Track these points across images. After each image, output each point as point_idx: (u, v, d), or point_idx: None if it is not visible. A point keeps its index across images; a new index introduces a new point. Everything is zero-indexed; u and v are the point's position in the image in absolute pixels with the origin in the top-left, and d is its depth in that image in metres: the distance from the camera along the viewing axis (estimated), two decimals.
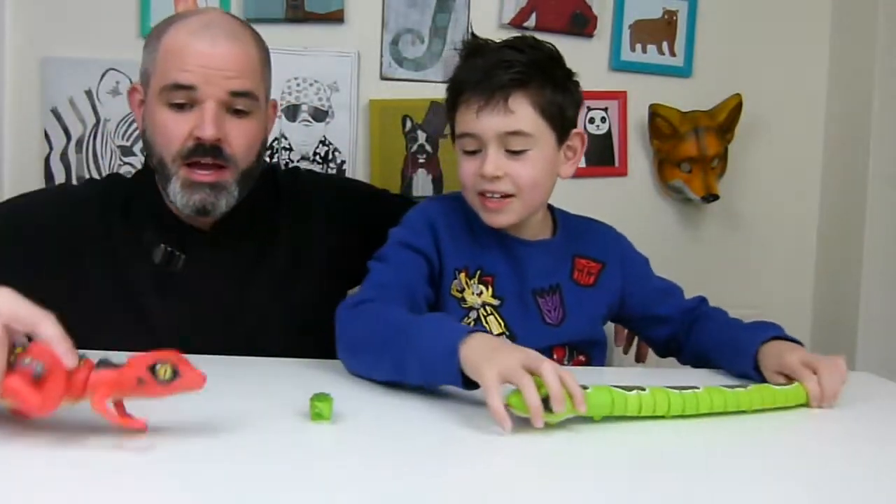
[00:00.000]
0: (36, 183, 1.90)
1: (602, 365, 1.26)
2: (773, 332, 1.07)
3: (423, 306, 1.10)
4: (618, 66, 2.05)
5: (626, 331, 1.39)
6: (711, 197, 1.99)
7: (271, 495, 0.62)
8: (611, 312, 1.27)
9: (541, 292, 1.18)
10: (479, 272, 1.16)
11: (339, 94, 1.94)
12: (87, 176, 1.89)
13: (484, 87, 1.07)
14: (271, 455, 0.72)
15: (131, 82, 1.24)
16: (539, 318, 1.17)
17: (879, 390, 1.12)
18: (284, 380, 1.01)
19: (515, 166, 1.08)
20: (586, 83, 2.09)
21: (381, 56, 1.96)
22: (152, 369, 0.69)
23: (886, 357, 1.95)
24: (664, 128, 2.00)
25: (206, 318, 1.18)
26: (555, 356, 1.18)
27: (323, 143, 1.94)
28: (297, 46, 1.93)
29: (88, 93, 1.89)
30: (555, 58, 1.13)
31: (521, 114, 1.07)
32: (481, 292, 1.15)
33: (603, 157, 2.06)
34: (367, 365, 0.99)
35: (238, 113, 1.14)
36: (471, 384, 0.85)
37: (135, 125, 1.84)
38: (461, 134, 1.11)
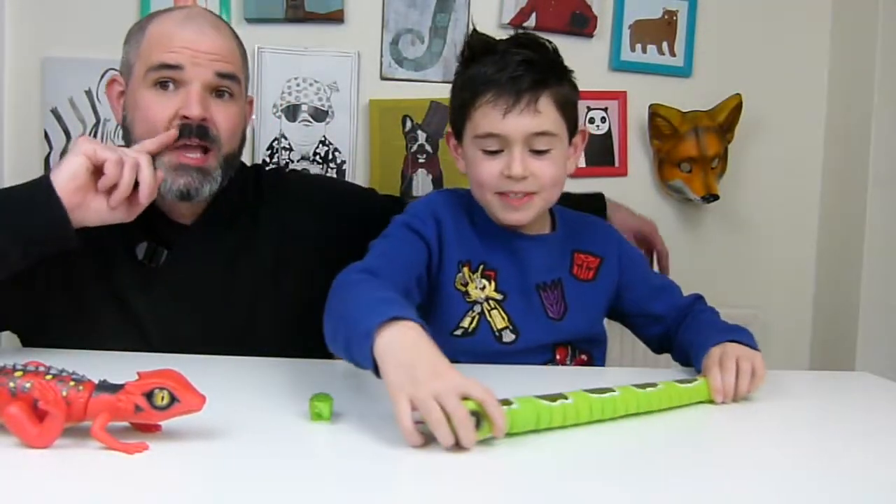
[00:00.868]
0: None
1: (602, 363, 1.26)
2: (732, 337, 1.06)
3: (415, 286, 1.10)
4: (618, 66, 2.05)
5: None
6: (711, 197, 1.99)
7: (271, 495, 0.62)
8: (609, 307, 1.27)
9: (543, 286, 1.19)
10: (482, 266, 1.16)
11: (339, 94, 1.94)
12: None
13: (510, 87, 1.06)
14: (271, 455, 0.72)
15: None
16: (542, 312, 1.18)
17: (879, 390, 1.11)
18: (284, 380, 1.01)
19: (540, 166, 1.09)
20: (586, 83, 2.10)
21: (381, 56, 1.96)
22: (149, 396, 0.69)
23: (886, 357, 1.95)
24: (664, 128, 2.00)
25: (191, 311, 1.18)
26: (557, 356, 1.19)
27: (323, 143, 1.95)
28: (297, 46, 1.93)
29: (88, 93, 1.89)
30: (559, 55, 1.15)
31: (547, 113, 1.08)
32: (484, 287, 1.15)
33: (603, 157, 2.06)
34: (327, 329, 0.95)
35: (222, 95, 1.15)
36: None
37: None
38: (484, 134, 1.09)
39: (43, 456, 0.68)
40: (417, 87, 1.94)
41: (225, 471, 0.68)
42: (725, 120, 2.01)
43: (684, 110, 2.01)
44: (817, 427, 0.92)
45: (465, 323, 1.14)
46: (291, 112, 1.94)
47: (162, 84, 1.12)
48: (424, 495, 0.65)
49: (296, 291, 1.23)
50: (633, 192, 2.07)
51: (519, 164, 1.07)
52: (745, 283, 2.13)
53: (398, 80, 1.95)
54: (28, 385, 0.70)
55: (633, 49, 2.05)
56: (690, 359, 1.11)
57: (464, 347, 1.12)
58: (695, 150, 1.97)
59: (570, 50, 2.01)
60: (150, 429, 0.74)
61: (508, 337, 1.15)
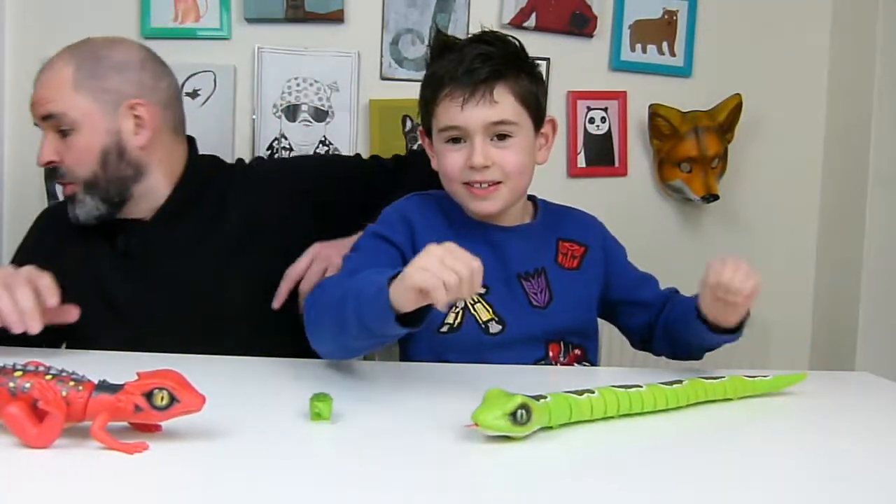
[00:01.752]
0: (36, 183, 1.90)
1: (596, 358, 1.26)
2: None
3: None
4: (618, 66, 2.05)
5: None
6: (711, 197, 1.99)
7: (271, 495, 0.62)
8: (599, 298, 1.27)
9: (526, 276, 1.19)
10: None
11: (339, 94, 1.94)
12: None
13: (466, 80, 1.11)
14: (271, 455, 0.72)
15: None
16: (526, 301, 1.18)
17: (879, 390, 1.12)
18: (284, 380, 1.01)
19: (502, 154, 1.12)
20: (586, 83, 2.12)
21: (381, 56, 1.96)
22: (149, 396, 0.69)
23: (886, 357, 1.95)
24: (664, 128, 2.00)
25: (166, 294, 1.27)
26: (550, 353, 1.19)
27: (323, 143, 1.94)
28: (297, 46, 1.93)
29: None
30: (523, 50, 1.17)
31: (505, 103, 1.11)
32: None
33: (603, 157, 2.06)
34: (321, 335, 1.01)
35: (64, 133, 1.24)
36: (406, 322, 0.87)
37: None
38: (445, 127, 1.14)
39: (42, 456, 0.68)
40: (417, 88, 1.93)
41: (225, 471, 0.68)
42: (725, 120, 2.01)
43: (684, 110, 2.01)
44: (817, 427, 0.92)
45: (450, 319, 1.16)
46: (291, 112, 1.94)
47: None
48: (425, 495, 0.65)
49: (263, 263, 1.29)
50: (633, 192, 2.08)
51: (479, 153, 1.11)
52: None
53: (398, 80, 1.95)
54: (28, 385, 0.70)
55: (633, 49, 2.05)
56: (678, 327, 1.15)
57: (452, 344, 1.15)
58: (695, 150, 1.97)
59: (570, 50, 2.02)
60: (149, 429, 0.74)
61: (495, 328, 1.16)
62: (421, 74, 1.27)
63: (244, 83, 1.93)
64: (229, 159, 1.42)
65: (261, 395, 0.94)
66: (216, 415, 0.75)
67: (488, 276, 1.12)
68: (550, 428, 0.80)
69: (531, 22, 1.98)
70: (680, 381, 0.91)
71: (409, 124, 1.94)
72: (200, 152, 1.41)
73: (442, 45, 1.18)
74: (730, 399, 0.96)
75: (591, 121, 2.05)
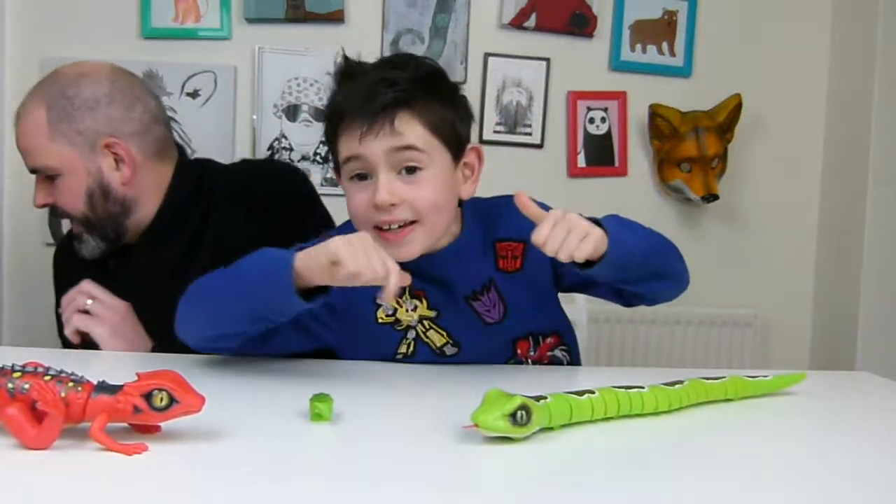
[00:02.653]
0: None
1: (573, 341, 1.20)
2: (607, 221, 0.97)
3: (298, 326, 1.05)
4: (618, 66, 2.05)
5: None
6: (711, 197, 1.99)
7: (271, 496, 0.62)
8: (555, 287, 1.16)
9: (474, 296, 1.10)
10: (407, 289, 1.07)
11: None
12: None
13: (366, 109, 0.97)
14: (271, 455, 0.72)
15: None
16: (478, 321, 1.10)
17: (879, 390, 1.11)
18: (284, 380, 1.01)
19: (411, 190, 0.98)
20: (586, 83, 2.13)
21: (381, 56, 1.95)
22: (148, 397, 0.69)
23: (886, 357, 1.95)
24: (664, 128, 2.00)
25: (145, 312, 1.23)
26: (518, 351, 1.14)
27: (323, 143, 1.94)
28: (297, 46, 1.93)
29: None
30: (438, 72, 1.05)
31: (410, 134, 0.98)
32: (416, 307, 1.09)
33: (603, 157, 2.06)
34: (198, 321, 0.99)
35: (50, 178, 1.24)
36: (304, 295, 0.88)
37: None
38: (346, 159, 1.00)
39: (41, 457, 0.68)
40: None
41: (225, 471, 0.68)
42: (725, 120, 2.01)
43: (684, 110, 2.01)
44: (818, 427, 0.92)
45: (403, 349, 1.10)
46: (291, 112, 1.94)
47: None
48: (425, 495, 0.65)
49: None
50: (633, 192, 2.08)
51: (384, 189, 0.97)
52: (745, 283, 2.13)
53: None
54: (27, 386, 0.69)
55: (633, 49, 2.05)
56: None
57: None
58: (695, 150, 1.98)
59: (570, 50, 2.02)
60: (149, 430, 0.74)
61: (451, 350, 1.10)
62: None
63: (244, 83, 1.93)
64: (229, 159, 1.41)
65: (261, 395, 0.94)
66: (216, 415, 0.75)
67: (437, 301, 1.09)
68: (551, 429, 0.80)
69: (531, 22, 1.98)
70: (681, 382, 0.91)
71: None
72: (199, 153, 1.39)
73: (345, 72, 1.04)
74: (730, 399, 0.96)
75: (591, 121, 2.05)
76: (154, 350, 1.19)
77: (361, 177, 1.00)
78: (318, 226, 1.22)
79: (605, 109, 2.06)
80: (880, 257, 1.99)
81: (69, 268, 1.31)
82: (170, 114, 1.41)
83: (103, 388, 0.70)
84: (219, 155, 1.43)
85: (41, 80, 1.28)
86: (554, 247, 0.90)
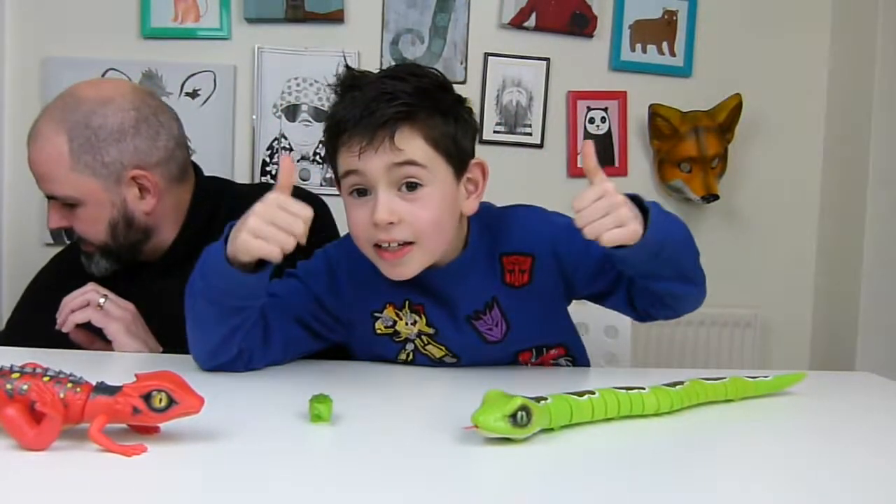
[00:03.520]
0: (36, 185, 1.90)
1: (579, 353, 1.18)
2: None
3: (301, 325, 1.08)
4: (618, 66, 2.05)
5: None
6: (711, 197, 1.99)
7: (271, 496, 0.62)
8: (564, 299, 1.13)
9: (476, 315, 1.07)
10: (407, 302, 1.07)
11: None
12: None
13: (366, 124, 0.94)
14: (271, 456, 0.72)
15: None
16: (479, 340, 1.08)
17: (880, 390, 1.11)
18: (283, 381, 1.01)
19: (411, 209, 0.96)
20: (586, 83, 2.12)
21: (381, 56, 1.96)
22: (147, 398, 0.69)
23: (886, 357, 1.95)
24: (664, 128, 2.00)
25: (156, 334, 1.20)
26: (520, 359, 1.13)
27: (322, 143, 1.94)
28: (297, 46, 1.93)
29: None
30: (442, 84, 1.01)
31: (411, 150, 0.95)
32: (416, 321, 1.08)
33: (603, 157, 2.06)
34: (192, 335, 1.01)
35: (70, 206, 1.21)
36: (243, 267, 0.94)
37: None
38: (345, 173, 0.98)
39: (40, 458, 0.68)
40: None
41: (225, 472, 0.68)
42: (725, 120, 2.01)
43: (684, 110, 2.01)
44: (818, 427, 0.92)
45: (403, 357, 1.10)
46: (291, 112, 1.94)
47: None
48: (425, 496, 0.65)
49: None
50: (633, 192, 2.07)
51: (383, 207, 0.94)
52: (745, 282, 2.13)
53: None
54: (25, 387, 0.69)
55: (633, 49, 2.05)
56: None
57: None
58: (695, 150, 1.97)
59: (570, 50, 2.02)
60: (148, 431, 0.74)
61: (450, 360, 1.10)
62: None
63: (244, 83, 1.93)
64: (229, 159, 1.42)
65: (260, 396, 0.94)
66: (215, 416, 0.75)
67: (436, 319, 1.08)
68: (551, 430, 0.80)
69: (531, 22, 1.98)
70: (681, 383, 0.91)
71: None
72: (199, 153, 1.37)
73: (345, 83, 1.01)
74: (731, 400, 0.96)
75: (591, 121, 2.05)
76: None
77: (361, 192, 0.98)
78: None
79: (605, 109, 2.06)
80: (880, 257, 1.99)
81: (72, 279, 1.23)
82: None
83: (102, 388, 0.70)
84: (218, 154, 1.44)
85: (58, 101, 1.21)
86: (585, 221, 0.89)
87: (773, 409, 0.96)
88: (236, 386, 0.97)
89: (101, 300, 1.14)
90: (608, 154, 2.07)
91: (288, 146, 1.94)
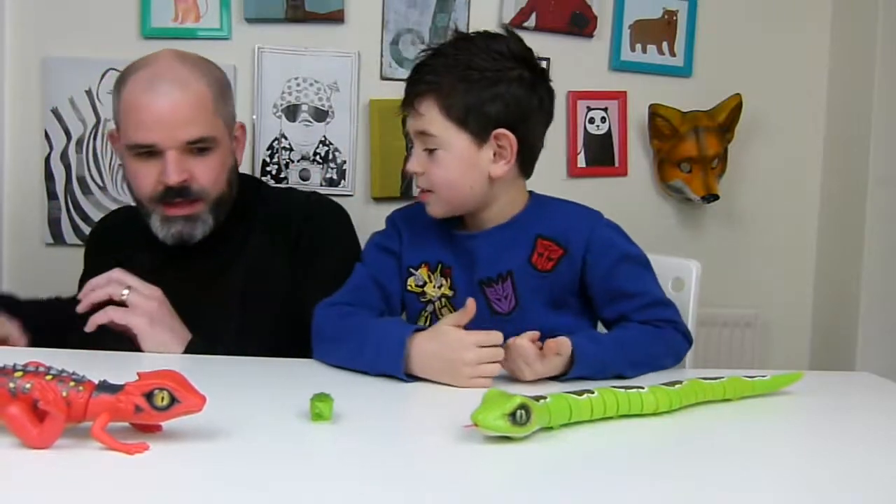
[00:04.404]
0: (36, 182, 1.90)
1: None
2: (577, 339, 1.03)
3: (395, 301, 1.22)
4: (618, 66, 2.05)
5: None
6: (711, 197, 1.99)
7: (272, 495, 0.63)
8: (575, 298, 1.19)
9: (488, 282, 1.18)
10: (440, 265, 1.21)
11: (340, 94, 1.94)
12: (87, 175, 1.91)
13: (406, 90, 1.15)
14: (271, 455, 0.72)
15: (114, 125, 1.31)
16: (486, 308, 1.16)
17: (880, 390, 1.12)
18: (285, 380, 1.01)
19: (430, 166, 1.14)
20: (586, 83, 2.12)
21: (381, 56, 1.96)
22: (149, 397, 0.69)
23: (886, 357, 1.96)
24: (664, 128, 2.00)
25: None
26: None
27: (323, 143, 1.95)
28: (297, 46, 1.93)
29: (88, 93, 1.89)
30: (475, 61, 1.12)
31: (429, 116, 1.12)
32: (442, 284, 1.20)
33: (603, 157, 2.06)
34: (330, 352, 1.10)
35: (201, 151, 1.23)
36: (409, 376, 1.00)
37: None
38: (403, 118, 1.19)
39: (43, 457, 0.68)
40: None
41: (225, 471, 0.68)
42: (725, 120, 2.01)
43: (684, 110, 2.01)
44: (817, 427, 0.92)
45: (422, 321, 1.21)
46: (291, 112, 1.94)
47: (142, 154, 1.22)
48: (425, 495, 0.65)
49: (259, 321, 1.26)
50: (633, 192, 2.08)
51: (414, 160, 1.15)
52: (745, 283, 2.13)
53: (398, 80, 1.94)
54: (28, 385, 0.70)
55: (633, 49, 2.05)
56: None
57: None
58: (695, 150, 1.98)
59: (570, 50, 2.02)
60: (150, 429, 0.74)
61: None
62: None
63: (244, 83, 1.93)
64: None
65: (261, 395, 0.94)
66: (217, 415, 0.75)
67: (459, 280, 1.20)
68: (550, 428, 0.80)
69: (531, 22, 1.98)
70: (679, 382, 0.92)
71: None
72: None
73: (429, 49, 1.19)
74: (729, 400, 0.96)
75: (591, 121, 2.05)
76: (192, 345, 1.15)
77: (411, 142, 1.18)
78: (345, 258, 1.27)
79: (605, 109, 2.06)
80: (880, 257, 1.99)
81: (98, 256, 1.35)
82: None
83: (105, 387, 0.71)
84: None
85: (176, 56, 1.25)
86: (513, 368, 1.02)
87: (772, 409, 0.96)
88: (237, 385, 0.97)
89: (125, 293, 1.13)
90: (608, 154, 2.07)
91: (288, 146, 1.94)
